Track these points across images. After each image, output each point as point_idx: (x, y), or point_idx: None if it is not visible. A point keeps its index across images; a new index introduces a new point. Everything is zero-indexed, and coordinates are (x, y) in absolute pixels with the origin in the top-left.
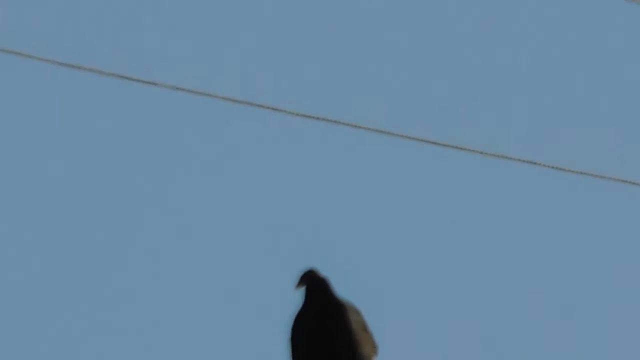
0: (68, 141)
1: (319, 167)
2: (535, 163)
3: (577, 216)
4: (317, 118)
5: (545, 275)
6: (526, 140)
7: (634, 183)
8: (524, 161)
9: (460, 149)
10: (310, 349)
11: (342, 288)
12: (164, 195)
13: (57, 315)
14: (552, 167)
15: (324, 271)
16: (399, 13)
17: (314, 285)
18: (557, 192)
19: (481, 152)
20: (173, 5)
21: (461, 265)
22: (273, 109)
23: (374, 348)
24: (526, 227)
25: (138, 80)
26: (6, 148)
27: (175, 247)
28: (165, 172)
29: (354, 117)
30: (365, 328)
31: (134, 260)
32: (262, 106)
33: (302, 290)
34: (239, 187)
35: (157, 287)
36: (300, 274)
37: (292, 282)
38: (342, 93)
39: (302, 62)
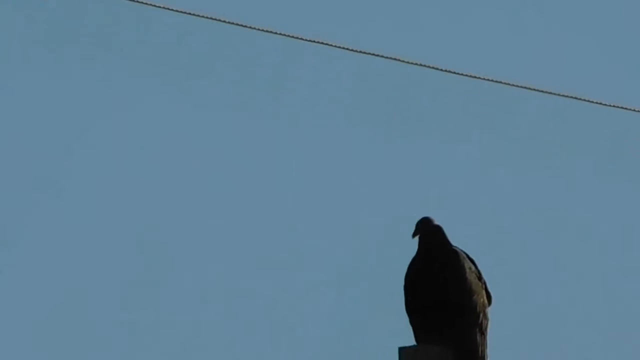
0: None
1: None
2: None
3: None
4: None
5: None
6: None
7: None
8: None
9: None
10: (425, 296)
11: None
12: None
13: None
14: None
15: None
16: None
17: (429, 233)
18: None
19: None
20: None
21: None
22: None
23: (488, 297)
24: None
25: None
26: None
27: None
28: None
29: None
30: (479, 277)
31: None
32: None
33: (417, 239)
34: None
35: None
36: (416, 222)
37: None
38: None
39: None
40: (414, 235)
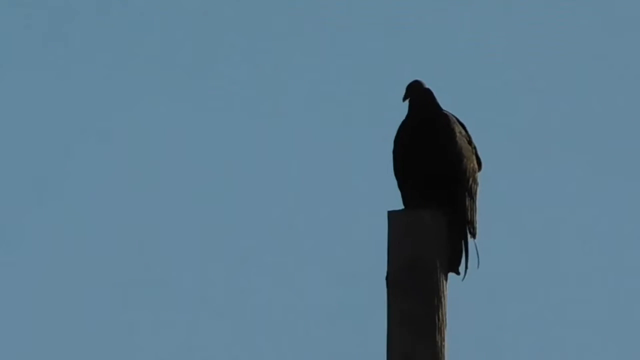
0: None
1: None
2: None
3: None
4: None
5: None
6: None
7: None
8: None
9: None
10: (414, 160)
11: None
12: None
13: None
14: None
15: None
16: None
17: (419, 96)
18: None
19: None
20: None
21: None
22: None
23: (478, 162)
24: None
25: None
26: None
27: None
28: None
29: None
30: (469, 141)
31: None
32: None
33: (407, 102)
34: None
35: None
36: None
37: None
38: None
39: None
40: (404, 98)
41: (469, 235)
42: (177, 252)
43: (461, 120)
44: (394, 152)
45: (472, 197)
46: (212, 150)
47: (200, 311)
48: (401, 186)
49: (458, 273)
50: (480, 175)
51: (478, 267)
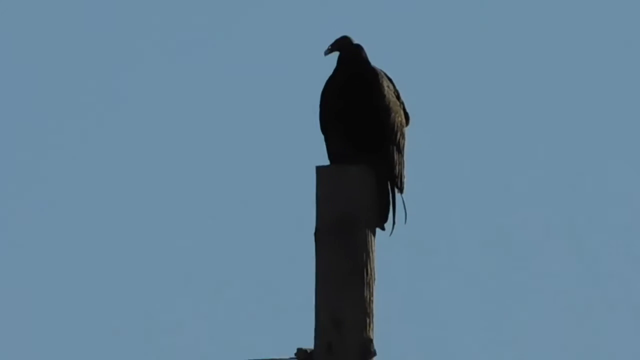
0: None
1: None
2: None
3: None
4: None
5: None
6: None
7: None
8: None
9: None
10: (342, 114)
11: None
12: None
13: None
14: None
15: None
16: None
17: (348, 52)
18: None
19: None
20: None
21: None
22: None
23: (406, 117)
24: None
25: None
26: None
27: None
28: None
29: None
30: (398, 96)
31: None
32: None
33: (337, 58)
34: None
35: None
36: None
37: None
38: None
39: None
40: (327, 52)
41: (396, 190)
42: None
43: (389, 75)
44: (321, 106)
45: (400, 151)
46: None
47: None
48: (328, 141)
49: (384, 229)
50: (407, 130)
51: (405, 222)
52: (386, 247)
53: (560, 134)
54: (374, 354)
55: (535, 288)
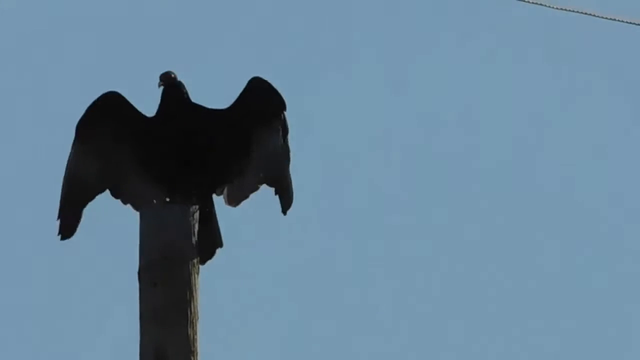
0: None
1: None
2: None
3: None
4: None
5: None
6: None
7: None
8: None
9: None
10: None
11: None
12: None
13: None
14: None
15: None
16: None
17: (171, 89)
18: None
19: None
20: None
21: None
22: None
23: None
24: None
25: None
26: None
27: None
28: None
29: None
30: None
31: None
32: None
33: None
34: None
35: None
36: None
37: None
38: None
39: None
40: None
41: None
42: None
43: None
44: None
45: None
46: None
47: None
48: (153, 178)
49: (203, 263)
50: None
51: (220, 247)
52: (210, 284)
53: None
54: None
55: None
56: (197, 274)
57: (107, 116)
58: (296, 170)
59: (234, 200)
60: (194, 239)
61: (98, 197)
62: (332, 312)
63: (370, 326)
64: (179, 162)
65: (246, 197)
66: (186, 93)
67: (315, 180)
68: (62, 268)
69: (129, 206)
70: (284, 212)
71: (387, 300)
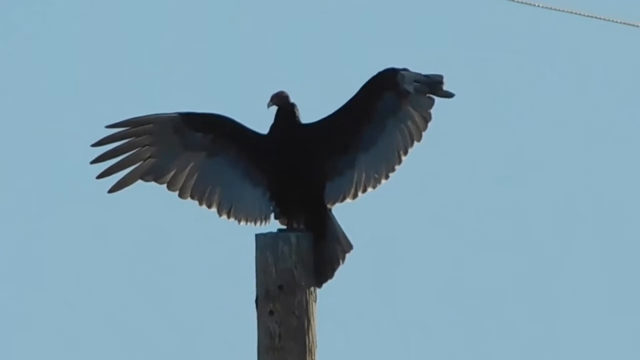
0: None
1: None
2: None
3: None
4: None
5: None
6: None
7: None
8: None
9: None
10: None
11: None
12: None
13: None
14: None
15: None
16: None
17: (285, 109)
18: None
19: None
20: None
21: None
22: None
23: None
24: None
25: None
26: None
27: None
28: None
29: None
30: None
31: None
32: None
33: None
34: None
35: None
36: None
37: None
38: None
39: None
40: (269, 105)
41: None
42: None
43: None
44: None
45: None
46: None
47: None
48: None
49: (320, 285)
50: None
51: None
52: (326, 313)
53: None
54: None
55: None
56: (315, 301)
57: (211, 125)
58: None
59: (329, 200)
60: (310, 266)
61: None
62: (455, 337)
63: None
64: (289, 181)
65: (343, 198)
66: (298, 113)
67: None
68: (179, 294)
69: (243, 224)
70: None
71: None
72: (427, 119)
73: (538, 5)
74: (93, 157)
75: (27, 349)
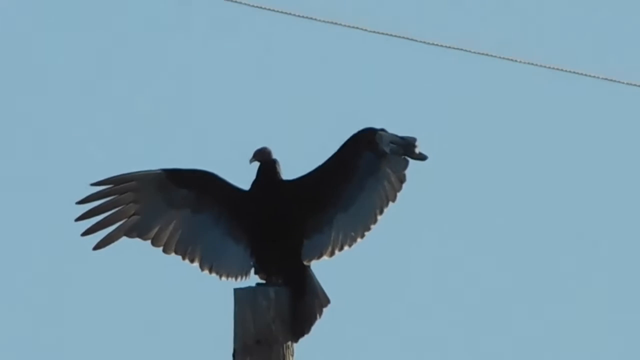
0: None
1: None
2: None
3: None
4: None
5: None
6: None
7: None
8: None
9: None
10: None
11: None
12: None
13: None
14: None
15: None
16: None
17: (266, 165)
18: None
19: None
20: None
21: None
22: None
23: None
24: None
25: None
26: None
27: None
28: None
29: None
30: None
31: None
32: None
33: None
34: None
35: None
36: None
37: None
38: None
39: None
40: (251, 161)
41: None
42: None
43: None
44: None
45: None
46: None
47: None
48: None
49: (296, 340)
50: None
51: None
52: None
53: None
54: None
55: None
56: (292, 355)
57: (195, 182)
58: None
59: (307, 257)
60: (288, 320)
61: (195, 272)
62: None
63: None
64: (269, 239)
65: (320, 256)
66: (279, 169)
67: None
68: (155, 346)
69: (224, 279)
70: None
71: None
72: (402, 179)
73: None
74: (77, 215)
75: None
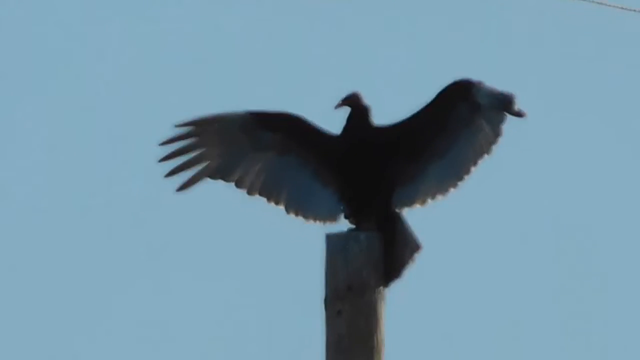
0: None
1: None
2: None
3: None
4: None
5: None
6: None
7: None
8: None
9: None
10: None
11: None
12: None
13: None
14: None
15: None
16: None
17: (357, 111)
18: None
19: None
20: None
21: None
22: None
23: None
24: None
25: None
26: None
27: None
28: None
29: None
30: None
31: None
32: None
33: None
34: None
35: None
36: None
37: None
38: None
39: None
40: (337, 106)
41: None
42: None
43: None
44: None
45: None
46: None
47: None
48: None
49: (387, 285)
50: None
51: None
52: (395, 312)
53: None
54: None
55: None
56: (383, 301)
57: (281, 125)
58: None
59: (399, 205)
60: (380, 265)
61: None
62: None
63: None
64: (360, 184)
65: (412, 204)
66: (370, 116)
67: None
68: (247, 294)
69: (311, 222)
70: None
71: None
72: (498, 133)
73: None
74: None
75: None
